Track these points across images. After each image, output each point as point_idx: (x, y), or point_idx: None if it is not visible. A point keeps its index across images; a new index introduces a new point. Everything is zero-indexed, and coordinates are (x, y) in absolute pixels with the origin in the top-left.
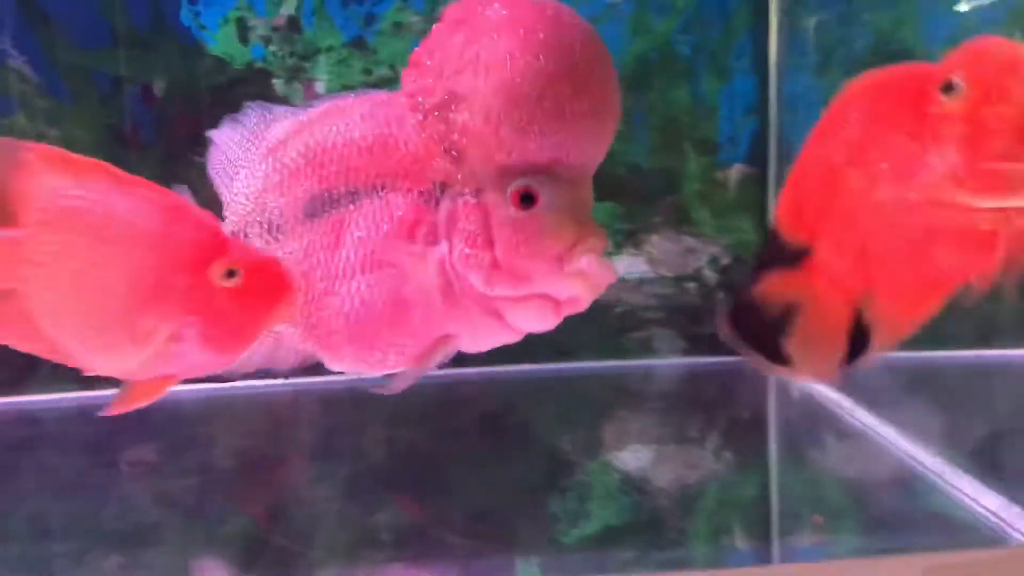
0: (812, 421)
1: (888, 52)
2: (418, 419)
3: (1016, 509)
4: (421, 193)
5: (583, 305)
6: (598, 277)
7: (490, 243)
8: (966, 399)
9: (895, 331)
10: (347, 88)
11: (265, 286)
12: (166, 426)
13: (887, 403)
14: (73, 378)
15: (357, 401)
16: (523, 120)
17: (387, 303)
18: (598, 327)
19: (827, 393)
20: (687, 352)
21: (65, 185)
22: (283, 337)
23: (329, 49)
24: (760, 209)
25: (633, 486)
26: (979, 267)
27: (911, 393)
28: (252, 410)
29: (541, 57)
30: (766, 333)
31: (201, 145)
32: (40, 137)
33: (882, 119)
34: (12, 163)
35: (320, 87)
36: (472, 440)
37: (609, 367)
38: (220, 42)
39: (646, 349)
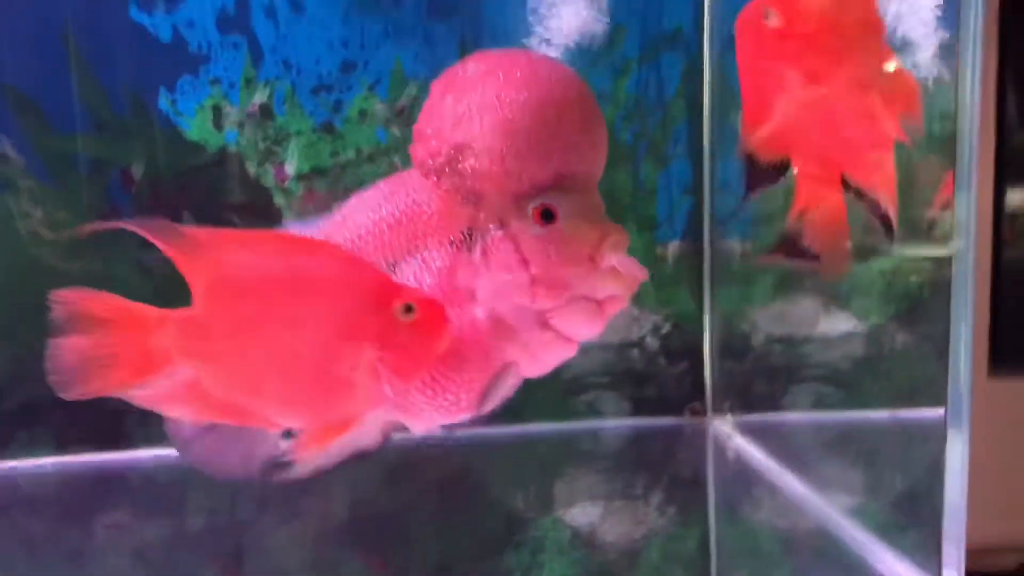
0: (745, 479)
1: None
2: (377, 482)
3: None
4: (452, 243)
5: (622, 303)
6: (629, 271)
7: (524, 264)
8: (883, 458)
9: (885, 192)
10: (316, 170)
11: (434, 318)
12: (143, 491)
13: (811, 463)
14: (51, 443)
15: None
16: (523, 147)
17: (446, 348)
18: (547, 390)
19: (757, 455)
20: (631, 414)
21: (239, 259)
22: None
23: (299, 133)
24: (697, 281)
25: (583, 541)
26: (904, 115)
27: (832, 455)
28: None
29: (525, 90)
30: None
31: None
32: (24, 216)
33: (760, 50)
34: (177, 246)
35: (290, 169)
36: (430, 500)
37: (558, 429)
38: (196, 128)
39: (592, 411)
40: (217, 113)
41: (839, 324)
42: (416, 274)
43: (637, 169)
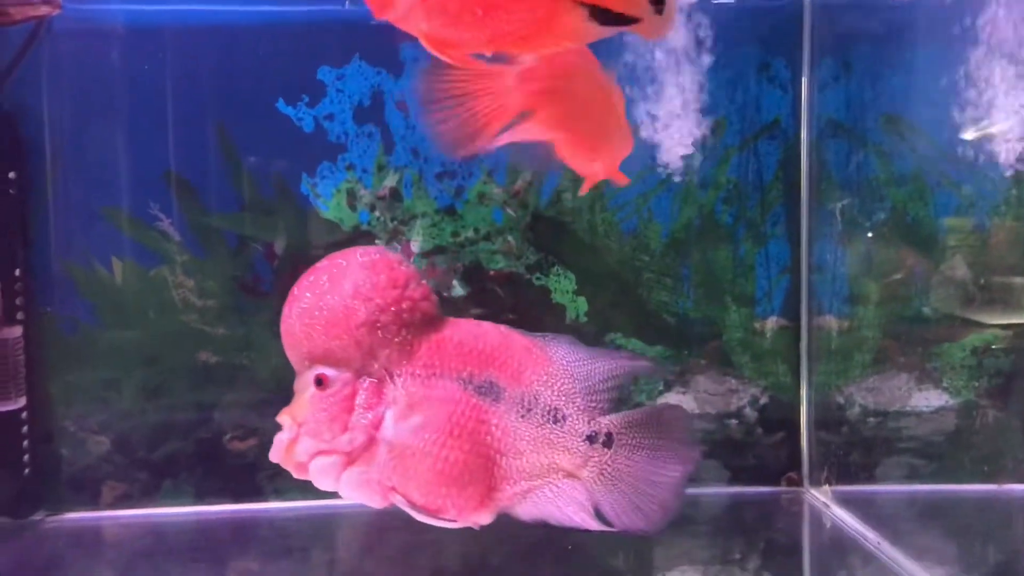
0: (840, 548)
1: (903, 224)
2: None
3: None
4: None
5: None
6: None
7: None
8: (976, 530)
9: None
10: (439, 247)
11: None
12: (272, 540)
13: (906, 533)
14: (192, 494)
15: None
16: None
17: None
18: None
19: (853, 523)
20: (730, 481)
21: None
22: None
23: (424, 215)
24: (795, 356)
25: None
26: None
27: (927, 524)
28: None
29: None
30: None
31: None
32: (178, 286)
33: None
34: None
35: (415, 246)
36: (531, 556)
37: None
38: (332, 208)
39: (693, 479)
40: (352, 195)
41: (932, 399)
42: None
43: (736, 249)
